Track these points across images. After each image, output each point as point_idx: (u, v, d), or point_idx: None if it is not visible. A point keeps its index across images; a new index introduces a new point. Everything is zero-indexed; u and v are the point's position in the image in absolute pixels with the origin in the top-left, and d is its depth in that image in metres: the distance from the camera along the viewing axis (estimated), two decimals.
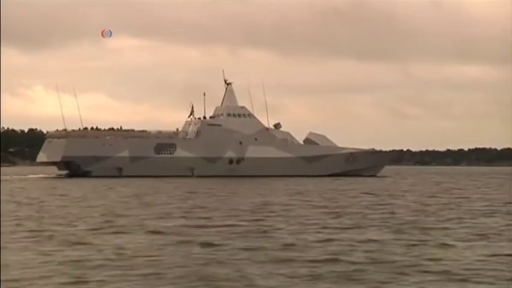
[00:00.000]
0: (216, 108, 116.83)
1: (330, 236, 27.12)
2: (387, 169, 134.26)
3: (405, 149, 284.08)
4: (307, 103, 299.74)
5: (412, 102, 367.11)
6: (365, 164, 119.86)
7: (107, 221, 32.65)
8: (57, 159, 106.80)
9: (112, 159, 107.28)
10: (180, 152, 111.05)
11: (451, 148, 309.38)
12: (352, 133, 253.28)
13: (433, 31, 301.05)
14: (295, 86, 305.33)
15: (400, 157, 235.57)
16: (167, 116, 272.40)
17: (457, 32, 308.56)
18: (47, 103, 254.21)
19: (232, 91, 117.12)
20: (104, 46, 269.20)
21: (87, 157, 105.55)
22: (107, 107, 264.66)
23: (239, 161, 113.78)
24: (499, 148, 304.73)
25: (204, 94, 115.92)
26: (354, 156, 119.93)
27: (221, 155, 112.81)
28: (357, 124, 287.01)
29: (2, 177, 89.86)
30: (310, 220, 33.93)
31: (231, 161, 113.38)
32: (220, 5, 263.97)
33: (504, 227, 31.36)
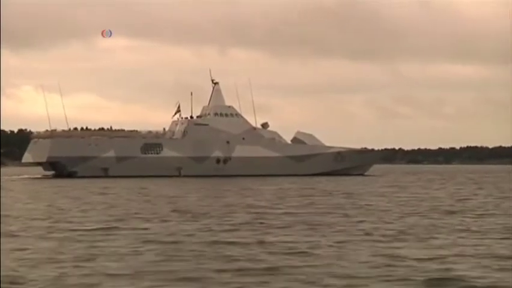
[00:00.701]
0: (203, 108, 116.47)
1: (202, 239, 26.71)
2: (377, 168, 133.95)
3: (397, 148, 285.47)
4: (298, 103, 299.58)
5: (403, 101, 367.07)
6: (353, 163, 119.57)
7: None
8: (43, 159, 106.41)
9: (98, 160, 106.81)
10: (167, 152, 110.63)
11: (442, 147, 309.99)
12: (344, 132, 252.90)
13: (423, 31, 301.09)
14: (286, 85, 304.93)
15: (391, 156, 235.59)
16: (159, 116, 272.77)
17: (447, 31, 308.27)
18: (36, 103, 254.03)
19: (219, 91, 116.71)
20: (95, 46, 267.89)
21: (72, 157, 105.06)
22: (99, 107, 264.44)
23: (226, 160, 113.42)
24: (490, 146, 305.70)
25: (191, 94, 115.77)
26: (342, 155, 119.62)
27: (208, 155, 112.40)
28: (350, 123, 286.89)
29: None
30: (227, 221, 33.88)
31: (218, 161, 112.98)
32: (211, 5, 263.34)
33: (418, 227, 31.07)
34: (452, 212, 39.40)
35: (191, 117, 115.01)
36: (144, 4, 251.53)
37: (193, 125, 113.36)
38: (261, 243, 25.44)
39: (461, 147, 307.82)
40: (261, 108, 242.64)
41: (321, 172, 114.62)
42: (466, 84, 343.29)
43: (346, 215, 37.15)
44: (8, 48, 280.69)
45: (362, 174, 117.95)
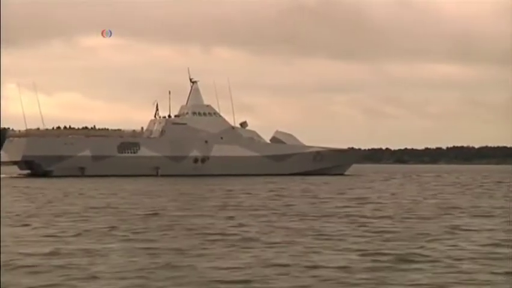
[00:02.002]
0: (181, 107, 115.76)
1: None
2: (358, 168, 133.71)
3: (384, 148, 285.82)
4: (281, 102, 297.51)
5: (390, 101, 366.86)
6: (332, 162, 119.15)
7: None
8: (18, 158, 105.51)
9: (74, 159, 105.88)
10: (144, 151, 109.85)
11: (429, 146, 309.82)
12: (330, 132, 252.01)
13: (408, 30, 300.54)
14: (268, 85, 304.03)
15: (379, 156, 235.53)
16: (144, 115, 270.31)
17: (431, 31, 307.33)
18: (19, 102, 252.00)
19: (197, 89, 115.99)
20: (79, 45, 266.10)
21: (48, 156, 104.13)
22: (84, 106, 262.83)
23: (204, 160, 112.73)
24: (476, 146, 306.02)
25: (169, 93, 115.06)
26: (321, 154, 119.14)
27: (186, 154, 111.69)
28: (336, 123, 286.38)
29: None
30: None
31: (196, 160, 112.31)
32: (195, 4, 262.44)
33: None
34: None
35: (169, 116, 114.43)
36: (128, 3, 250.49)
37: (171, 124, 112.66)
38: None
39: (447, 147, 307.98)
40: (243, 107, 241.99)
41: (300, 172, 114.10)
42: (452, 84, 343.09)
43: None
44: None
45: (342, 174, 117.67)
